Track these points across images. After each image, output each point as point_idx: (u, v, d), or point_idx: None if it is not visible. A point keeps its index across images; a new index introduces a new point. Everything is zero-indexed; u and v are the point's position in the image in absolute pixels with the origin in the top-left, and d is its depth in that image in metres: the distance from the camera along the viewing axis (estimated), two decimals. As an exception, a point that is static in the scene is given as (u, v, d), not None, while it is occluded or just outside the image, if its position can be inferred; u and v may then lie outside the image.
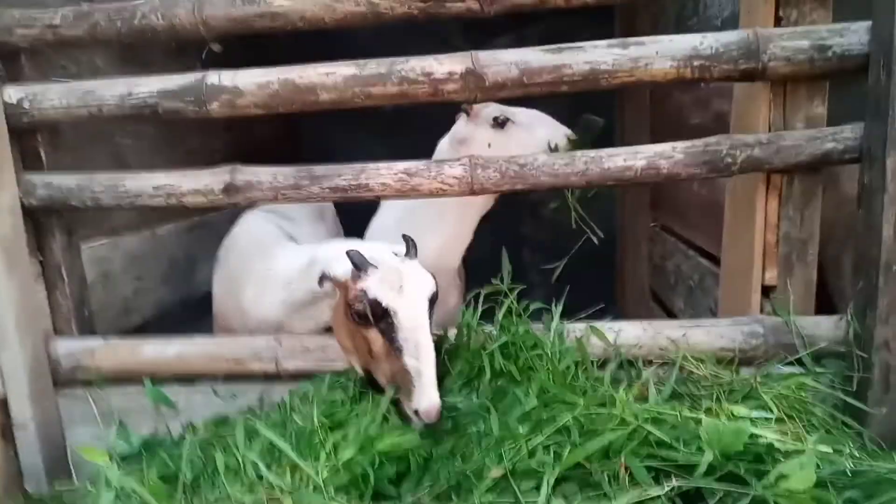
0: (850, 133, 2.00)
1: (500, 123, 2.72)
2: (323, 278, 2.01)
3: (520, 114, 2.77)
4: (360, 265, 1.91)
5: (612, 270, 5.17)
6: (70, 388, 2.41)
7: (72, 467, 2.04)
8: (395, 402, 1.95)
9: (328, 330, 2.24)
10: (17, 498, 2.28)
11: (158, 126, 3.27)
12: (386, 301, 1.89)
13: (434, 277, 2.02)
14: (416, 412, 1.87)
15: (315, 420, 1.88)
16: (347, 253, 1.92)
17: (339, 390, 2.05)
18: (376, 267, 1.93)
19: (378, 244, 2.13)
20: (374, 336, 1.94)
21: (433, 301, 1.99)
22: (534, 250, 5.98)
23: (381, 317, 1.90)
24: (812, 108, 2.08)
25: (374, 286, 1.90)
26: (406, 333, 1.89)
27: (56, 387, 2.40)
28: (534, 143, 2.67)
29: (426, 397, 1.84)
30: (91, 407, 2.38)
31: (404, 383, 1.89)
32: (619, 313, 4.71)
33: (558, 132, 2.72)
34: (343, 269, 1.97)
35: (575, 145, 2.61)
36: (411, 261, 2.03)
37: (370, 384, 2.06)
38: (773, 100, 2.09)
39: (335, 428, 1.86)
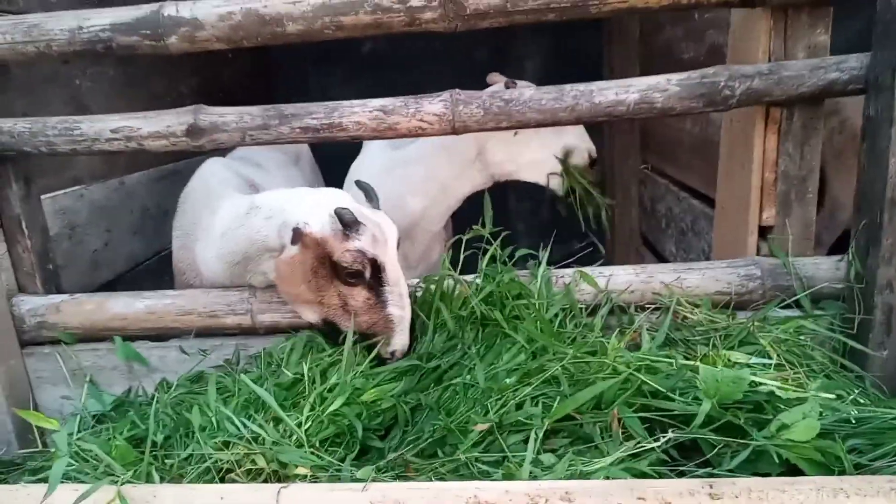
0: (855, 62, 1.88)
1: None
2: (297, 235, 1.87)
3: None
4: (351, 224, 1.83)
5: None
6: (37, 347, 2.30)
7: (35, 430, 1.94)
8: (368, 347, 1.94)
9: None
10: (-15, 462, 2.19)
11: (119, 68, 3.07)
12: (381, 259, 1.87)
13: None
14: (392, 353, 1.92)
15: (306, 370, 1.80)
16: (337, 211, 1.82)
17: (317, 344, 1.96)
18: (365, 224, 1.86)
19: (335, 193, 2.01)
20: (358, 291, 1.90)
21: (398, 247, 2.00)
22: (519, 197, 5.86)
23: (372, 274, 1.88)
24: (814, 37, 1.95)
25: (370, 245, 1.85)
26: (392, 286, 1.90)
27: (22, 346, 2.29)
28: (556, 141, 2.67)
29: (403, 338, 1.91)
30: (60, 366, 2.27)
31: (385, 331, 1.90)
32: (608, 259, 4.63)
33: (583, 143, 2.72)
34: (319, 224, 1.87)
35: (580, 173, 2.66)
36: (378, 210, 2.01)
37: (328, 334, 2.02)
38: (774, 28, 1.96)
39: (320, 379, 1.78)
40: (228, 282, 2.24)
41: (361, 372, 1.85)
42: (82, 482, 1.50)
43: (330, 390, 1.78)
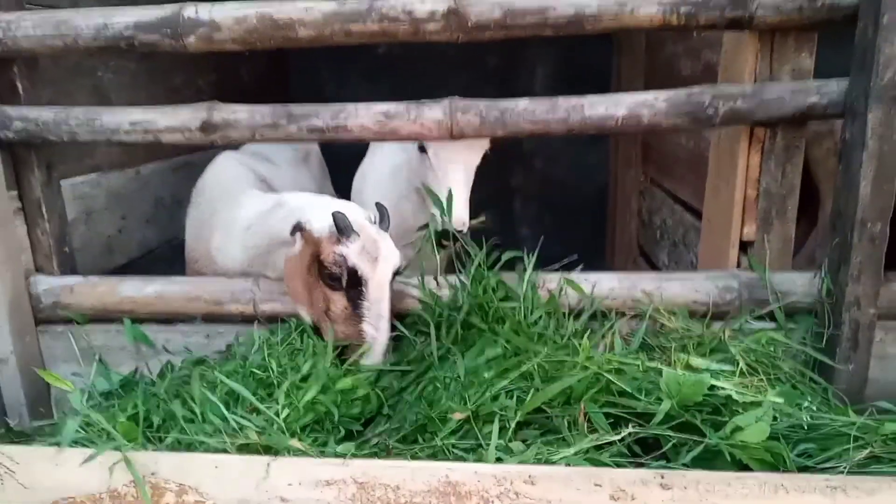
0: (835, 87, 1.96)
1: (421, 147, 2.53)
2: (297, 228, 1.99)
3: (439, 149, 2.46)
4: (344, 230, 1.90)
5: (602, 225, 5.17)
6: (51, 325, 2.42)
7: (52, 403, 2.06)
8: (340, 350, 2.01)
9: None
10: (-1, 432, 2.32)
11: (141, 62, 3.21)
12: (362, 271, 1.92)
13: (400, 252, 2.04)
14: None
15: (274, 364, 1.88)
16: (334, 214, 1.90)
17: (294, 336, 2.06)
18: (358, 234, 1.93)
19: (352, 206, 2.09)
20: (338, 298, 1.98)
21: (396, 274, 2.04)
22: (524, 202, 5.97)
23: (352, 284, 1.94)
24: (800, 60, 2.04)
25: (355, 254, 1.91)
26: (371, 304, 1.95)
27: (37, 324, 2.42)
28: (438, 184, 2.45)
29: (374, 360, 1.95)
30: (72, 344, 2.40)
31: (360, 344, 1.96)
32: (608, 268, 4.72)
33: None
34: (320, 224, 1.96)
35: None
36: (385, 232, 2.05)
37: (316, 333, 2.10)
38: (761, 50, 2.05)
39: (292, 371, 1.87)
40: (245, 271, 2.35)
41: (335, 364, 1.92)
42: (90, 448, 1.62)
43: (304, 380, 1.84)
